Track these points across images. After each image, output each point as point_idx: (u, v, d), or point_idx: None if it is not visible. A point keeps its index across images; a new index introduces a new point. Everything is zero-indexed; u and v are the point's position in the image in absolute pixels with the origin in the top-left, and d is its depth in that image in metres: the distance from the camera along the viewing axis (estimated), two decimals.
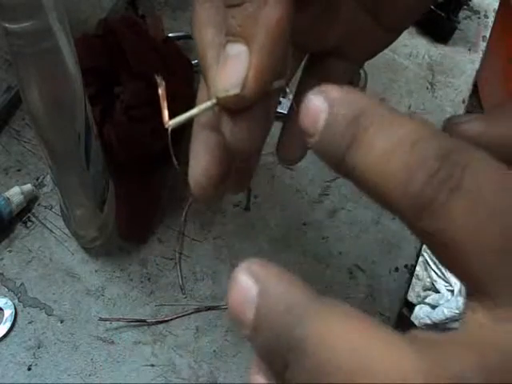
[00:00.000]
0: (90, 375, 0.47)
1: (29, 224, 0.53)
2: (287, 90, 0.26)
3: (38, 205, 0.54)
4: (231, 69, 0.23)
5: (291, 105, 0.32)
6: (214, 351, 0.49)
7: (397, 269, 0.54)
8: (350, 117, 0.19)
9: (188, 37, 0.65)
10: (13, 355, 0.47)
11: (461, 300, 1.31)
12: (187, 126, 0.25)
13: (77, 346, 0.48)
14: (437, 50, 0.70)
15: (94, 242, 0.52)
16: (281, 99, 0.31)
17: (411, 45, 0.69)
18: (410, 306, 1.39)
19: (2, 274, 0.50)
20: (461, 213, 0.17)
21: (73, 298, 0.50)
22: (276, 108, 0.31)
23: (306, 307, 0.17)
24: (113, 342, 0.48)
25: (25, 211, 0.53)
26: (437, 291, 1.39)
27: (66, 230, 0.52)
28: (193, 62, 0.58)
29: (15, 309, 0.49)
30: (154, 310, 0.50)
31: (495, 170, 0.17)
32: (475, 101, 1.68)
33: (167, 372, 0.48)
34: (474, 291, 0.18)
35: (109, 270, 0.52)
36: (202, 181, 0.28)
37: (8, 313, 0.48)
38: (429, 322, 1.33)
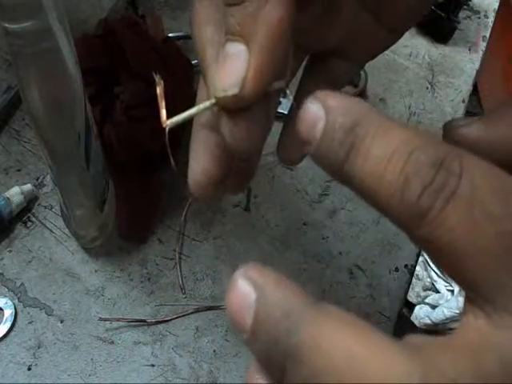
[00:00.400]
0: (90, 375, 0.47)
1: (29, 224, 0.53)
2: (287, 92, 0.26)
3: (38, 205, 0.54)
4: (230, 68, 0.23)
5: (292, 106, 0.32)
6: (214, 351, 0.49)
7: (397, 269, 0.54)
8: (348, 125, 0.19)
9: (188, 37, 0.65)
10: (13, 355, 0.47)
11: (461, 300, 1.31)
12: (186, 125, 0.25)
13: (77, 346, 0.48)
14: (437, 50, 0.70)
15: (94, 242, 0.52)
16: (281, 99, 0.31)
17: (411, 45, 0.69)
18: (410, 306, 1.39)
19: (1, 274, 0.50)
20: (457, 219, 0.17)
21: (73, 298, 0.50)
22: (276, 108, 0.31)
23: (302, 313, 0.18)
24: (113, 342, 0.48)
25: (25, 211, 0.53)
26: (437, 291, 1.39)
27: (66, 230, 0.52)
28: (193, 62, 0.58)
29: (15, 309, 0.49)
30: (153, 309, 0.50)
31: (490, 175, 0.18)
32: (475, 101, 1.68)
33: (167, 372, 0.48)
34: (472, 296, 0.18)
35: (109, 270, 0.52)
36: (201, 181, 0.28)
37: (8, 313, 0.48)
38: (429, 321, 1.33)
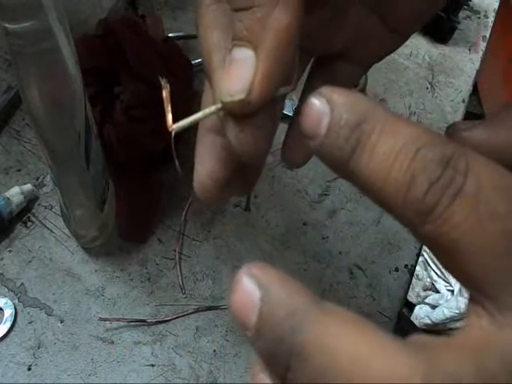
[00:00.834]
0: (90, 375, 0.47)
1: (29, 224, 0.53)
2: (293, 97, 0.26)
3: (38, 205, 0.54)
4: (237, 74, 0.23)
5: (297, 108, 0.32)
6: (214, 351, 0.49)
7: (397, 269, 0.54)
8: (353, 121, 0.19)
9: (188, 37, 0.65)
10: (13, 355, 0.47)
11: (461, 300, 1.31)
12: (186, 130, 0.25)
13: (77, 346, 0.48)
14: (437, 50, 0.70)
15: (94, 242, 0.52)
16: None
17: (411, 45, 0.69)
18: (410, 306, 1.39)
19: (1, 274, 0.50)
20: (463, 216, 0.17)
21: (73, 298, 0.50)
22: (281, 112, 0.31)
23: (306, 312, 0.18)
24: (113, 342, 0.48)
25: (25, 211, 0.53)
26: (437, 291, 1.39)
27: (66, 230, 0.52)
28: (193, 62, 0.58)
29: (15, 309, 0.49)
30: (153, 309, 0.50)
31: (496, 174, 0.18)
32: (475, 101, 1.68)
33: (167, 372, 0.48)
34: (476, 295, 0.18)
35: (109, 270, 0.52)
36: (207, 184, 0.28)
37: (8, 313, 0.48)
38: (429, 321, 1.33)
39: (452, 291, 1.36)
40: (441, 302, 1.35)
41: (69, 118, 0.39)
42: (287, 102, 0.31)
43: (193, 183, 0.28)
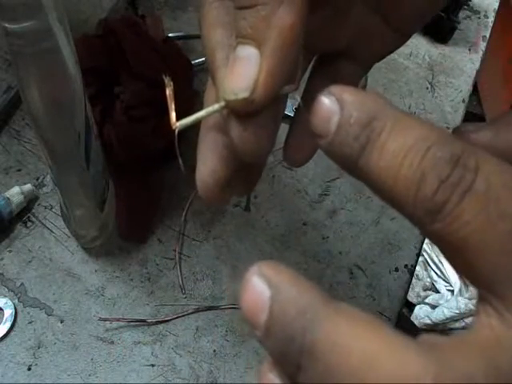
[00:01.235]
0: (90, 375, 0.47)
1: (29, 224, 0.53)
2: (296, 95, 0.26)
3: (38, 205, 0.54)
4: (241, 72, 0.23)
5: (298, 107, 0.32)
6: (214, 351, 0.49)
7: (397, 269, 0.54)
8: (363, 119, 0.19)
9: (188, 37, 0.65)
10: (13, 355, 0.47)
11: (461, 300, 1.31)
12: (187, 128, 0.25)
13: (77, 346, 0.48)
14: (437, 50, 0.70)
15: (94, 242, 0.52)
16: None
17: (411, 45, 0.69)
18: (410, 306, 1.39)
19: (1, 274, 0.50)
20: (472, 214, 0.17)
21: (73, 298, 0.50)
22: (284, 111, 0.31)
23: (317, 311, 0.18)
24: (113, 342, 0.48)
25: (25, 211, 0.53)
26: (437, 291, 1.39)
27: (66, 230, 0.52)
28: (193, 62, 0.58)
29: (15, 309, 0.49)
30: (153, 310, 0.50)
31: (505, 173, 0.18)
32: (475, 101, 1.68)
33: (167, 372, 0.48)
34: (484, 294, 0.18)
35: (109, 270, 0.52)
36: (209, 182, 0.28)
37: (8, 313, 0.48)
38: (429, 321, 1.33)
39: (452, 291, 1.36)
40: (441, 301, 1.35)
41: (69, 118, 0.39)
42: (288, 102, 0.31)
43: (194, 182, 0.28)
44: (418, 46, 0.70)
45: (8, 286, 0.50)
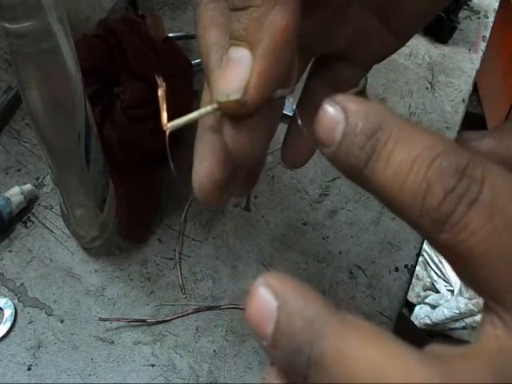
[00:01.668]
0: (89, 375, 0.47)
1: (29, 224, 0.53)
2: (291, 99, 0.26)
3: (38, 205, 0.54)
4: (233, 73, 0.23)
5: (295, 109, 0.32)
6: (214, 351, 0.49)
7: (397, 269, 0.54)
8: (369, 129, 0.19)
9: (188, 37, 0.65)
10: (13, 355, 0.47)
11: (461, 300, 1.31)
12: (185, 128, 0.25)
13: (77, 346, 0.48)
14: (437, 50, 0.70)
15: (94, 242, 0.52)
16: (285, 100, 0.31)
17: (411, 45, 0.69)
18: (410, 306, 1.39)
19: (1, 274, 0.50)
20: (478, 225, 0.17)
21: (73, 298, 0.50)
22: (280, 116, 0.31)
23: (324, 322, 0.18)
24: (113, 342, 0.48)
25: (25, 211, 0.53)
26: (437, 291, 1.39)
27: (66, 230, 0.52)
28: (193, 62, 0.58)
29: (15, 309, 0.49)
30: (153, 310, 0.50)
31: (511, 182, 0.18)
32: (475, 101, 1.68)
33: (167, 372, 0.48)
34: (491, 303, 0.18)
35: (109, 270, 0.52)
36: (205, 184, 0.27)
37: (8, 313, 0.48)
38: (429, 322, 1.33)
39: (452, 291, 1.36)
40: (441, 302, 1.35)
41: (69, 118, 0.39)
42: (287, 102, 0.31)
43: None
44: (418, 46, 0.70)
45: (8, 286, 0.50)
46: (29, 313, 0.49)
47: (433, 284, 1.40)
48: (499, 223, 0.17)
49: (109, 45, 0.53)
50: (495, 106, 1.67)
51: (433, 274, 1.39)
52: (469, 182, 0.18)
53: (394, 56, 0.71)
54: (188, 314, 0.50)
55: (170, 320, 0.50)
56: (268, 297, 0.18)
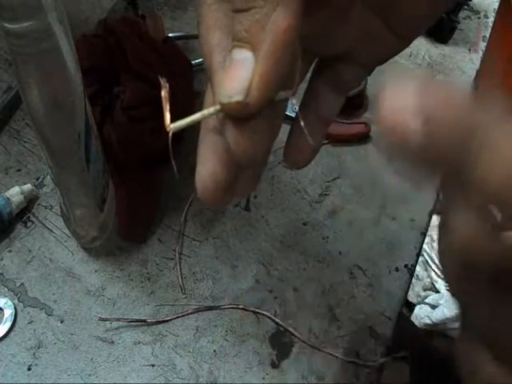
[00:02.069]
0: (90, 375, 0.47)
1: (29, 224, 0.53)
2: (293, 101, 0.26)
3: (38, 205, 0.54)
4: (235, 75, 0.23)
5: (298, 111, 0.32)
6: (214, 351, 0.49)
7: (397, 269, 0.54)
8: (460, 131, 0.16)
9: (188, 37, 0.65)
10: (13, 355, 0.47)
11: None
12: (188, 129, 0.25)
13: (77, 346, 0.48)
14: (437, 50, 0.70)
15: (94, 242, 0.52)
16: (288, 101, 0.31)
17: (411, 45, 0.69)
18: (410, 306, 1.38)
19: (1, 274, 0.50)
20: None
21: (73, 298, 0.50)
22: (283, 118, 0.31)
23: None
24: (113, 342, 0.48)
25: (25, 211, 0.53)
26: (437, 291, 1.39)
27: (66, 230, 0.52)
28: (193, 62, 0.58)
29: (15, 309, 0.49)
30: (153, 310, 0.50)
31: None
32: None
33: (167, 372, 0.48)
34: None
35: (109, 269, 0.52)
36: (208, 185, 0.27)
37: (8, 313, 0.48)
38: (429, 322, 1.33)
39: None
40: (441, 302, 1.35)
41: (69, 118, 0.39)
42: (289, 103, 0.31)
43: (194, 183, 0.28)
44: (418, 46, 0.70)
45: (8, 286, 0.50)
46: (29, 313, 0.49)
47: (433, 284, 1.40)
48: None
49: (109, 45, 0.53)
50: None
51: (433, 274, 1.39)
52: None
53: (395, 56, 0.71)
54: (188, 314, 0.50)
55: (170, 320, 0.50)
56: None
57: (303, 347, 0.49)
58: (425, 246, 1.31)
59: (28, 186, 0.53)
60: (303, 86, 0.32)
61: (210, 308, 0.51)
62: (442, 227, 0.17)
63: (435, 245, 1.43)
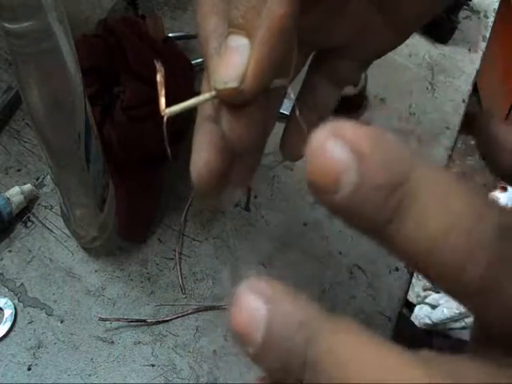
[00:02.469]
0: (90, 375, 0.47)
1: (29, 224, 0.53)
2: (289, 89, 0.26)
3: (38, 205, 0.54)
4: (231, 61, 0.23)
5: (295, 101, 0.32)
6: (214, 351, 0.49)
7: (397, 269, 0.54)
8: (391, 181, 0.15)
9: (188, 37, 0.65)
10: (13, 355, 0.47)
11: None
12: (190, 122, 0.25)
13: (77, 346, 0.48)
14: (437, 50, 0.70)
15: (94, 242, 0.52)
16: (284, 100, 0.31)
17: (411, 45, 0.69)
18: (410, 306, 1.39)
19: (1, 274, 0.50)
20: None
21: (73, 298, 0.50)
22: (279, 108, 0.31)
23: (319, 324, 0.17)
24: (113, 342, 0.48)
25: (25, 211, 0.53)
26: (437, 291, 1.39)
27: (66, 230, 0.52)
28: (193, 62, 0.58)
29: (15, 309, 0.49)
30: (153, 310, 0.50)
31: None
32: (475, 101, 1.68)
33: (167, 372, 0.48)
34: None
35: (109, 269, 0.52)
36: (203, 173, 0.27)
37: (8, 313, 0.48)
38: (429, 322, 1.33)
39: None
40: (441, 302, 1.35)
41: (69, 118, 0.39)
42: (285, 102, 0.31)
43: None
44: (418, 46, 0.70)
45: (8, 286, 0.50)
46: (29, 313, 0.49)
47: (433, 284, 1.40)
48: None
49: (109, 45, 0.53)
50: (495, 106, 1.67)
51: None
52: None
53: (394, 56, 0.71)
54: (188, 314, 0.50)
55: (170, 320, 0.50)
56: (256, 300, 0.17)
57: None
58: None
59: (28, 186, 0.53)
60: (300, 79, 0.32)
61: (210, 308, 0.51)
62: None
63: None
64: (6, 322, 0.48)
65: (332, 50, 0.31)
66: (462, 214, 0.16)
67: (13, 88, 0.58)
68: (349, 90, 0.62)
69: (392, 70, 0.67)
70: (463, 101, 0.66)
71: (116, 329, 0.49)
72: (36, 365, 0.47)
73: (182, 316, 0.50)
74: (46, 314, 0.49)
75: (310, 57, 0.33)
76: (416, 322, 1.34)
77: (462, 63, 0.69)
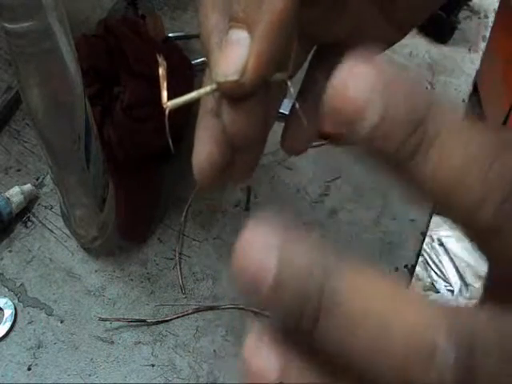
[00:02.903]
0: (90, 375, 0.47)
1: (29, 224, 0.53)
2: (289, 84, 0.26)
3: (38, 205, 0.54)
4: (231, 55, 0.23)
5: (296, 97, 0.32)
6: (214, 351, 0.49)
7: (397, 269, 0.54)
8: (414, 115, 0.16)
9: (188, 37, 0.65)
10: (13, 355, 0.47)
11: (461, 300, 1.31)
12: (190, 120, 0.25)
13: (77, 346, 0.48)
14: (437, 50, 0.70)
15: (94, 242, 0.52)
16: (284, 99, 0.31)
17: (411, 45, 0.69)
18: None
19: (1, 274, 0.50)
20: None
21: (73, 298, 0.50)
22: (280, 103, 0.31)
23: (334, 261, 0.16)
24: (113, 342, 0.48)
25: (25, 211, 0.53)
26: (437, 291, 1.39)
27: (66, 230, 0.52)
28: (193, 62, 0.58)
29: (15, 309, 0.49)
30: (153, 310, 0.50)
31: None
32: (475, 101, 1.68)
33: (167, 372, 0.48)
34: None
35: (109, 269, 0.52)
36: (204, 166, 0.28)
37: (8, 313, 0.48)
38: None
39: (452, 291, 1.36)
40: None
41: (69, 118, 0.39)
42: (285, 101, 0.31)
43: (194, 182, 0.29)
44: (418, 46, 0.70)
45: (8, 286, 0.50)
46: (29, 313, 0.49)
47: (433, 284, 1.40)
48: None
49: (109, 45, 0.53)
50: (495, 106, 1.67)
51: (433, 274, 1.39)
52: None
53: (394, 56, 0.71)
54: (188, 314, 0.50)
55: (170, 320, 0.50)
56: (265, 238, 0.17)
57: None
58: (425, 246, 1.31)
59: (28, 186, 0.53)
60: (301, 75, 0.32)
61: (210, 308, 0.51)
62: None
63: (435, 245, 1.44)
64: (5, 322, 0.48)
65: (332, 45, 0.31)
66: (481, 147, 0.16)
67: (13, 88, 0.58)
68: None
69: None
70: (463, 101, 0.66)
71: (116, 329, 0.49)
72: (36, 365, 0.47)
73: (182, 316, 0.50)
74: (46, 314, 0.49)
75: (311, 53, 0.33)
76: None
77: (462, 63, 0.69)
